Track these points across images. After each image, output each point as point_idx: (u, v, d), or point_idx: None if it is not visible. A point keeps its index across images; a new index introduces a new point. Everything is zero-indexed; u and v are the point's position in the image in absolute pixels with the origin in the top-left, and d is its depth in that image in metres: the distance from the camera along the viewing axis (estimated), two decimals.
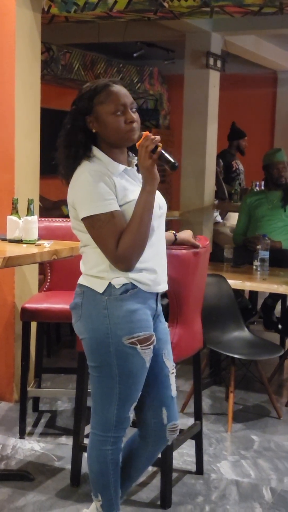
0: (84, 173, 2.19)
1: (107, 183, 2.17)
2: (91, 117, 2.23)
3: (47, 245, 3.04)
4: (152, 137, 2.17)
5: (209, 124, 6.39)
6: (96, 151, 2.24)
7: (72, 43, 7.29)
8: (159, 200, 2.29)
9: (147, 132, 2.20)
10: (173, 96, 9.55)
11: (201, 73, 6.33)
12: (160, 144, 2.17)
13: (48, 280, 3.93)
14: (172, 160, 2.18)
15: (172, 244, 2.70)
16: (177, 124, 8.12)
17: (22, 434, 3.47)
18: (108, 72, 8.10)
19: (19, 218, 3.14)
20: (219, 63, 6.44)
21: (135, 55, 7.70)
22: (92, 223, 2.17)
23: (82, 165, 2.21)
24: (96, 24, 5.68)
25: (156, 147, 2.16)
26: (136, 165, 2.31)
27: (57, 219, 3.99)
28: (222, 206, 6.71)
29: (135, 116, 2.24)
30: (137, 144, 2.19)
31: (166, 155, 2.18)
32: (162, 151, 2.17)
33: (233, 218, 6.81)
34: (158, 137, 2.18)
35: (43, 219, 3.85)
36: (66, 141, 2.24)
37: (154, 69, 9.21)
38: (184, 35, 6.31)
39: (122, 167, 2.24)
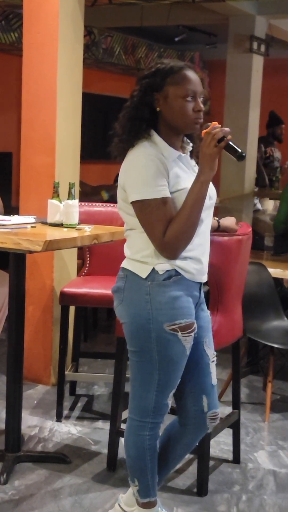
0: (138, 156, 2.16)
1: (160, 169, 2.14)
2: (159, 95, 2.19)
3: (88, 229, 3.03)
4: (222, 127, 2.14)
5: (251, 110, 6.29)
6: (153, 134, 2.21)
7: (114, 27, 7.24)
8: (210, 191, 2.25)
9: (215, 122, 2.17)
10: (214, 82, 9.43)
11: (244, 58, 6.23)
12: (230, 136, 2.13)
13: (87, 265, 3.93)
14: (239, 150, 2.14)
15: (215, 230, 2.67)
16: (217, 110, 8.02)
17: (59, 417, 3.49)
18: (149, 57, 8.03)
19: (60, 202, 3.13)
20: (263, 48, 6.32)
21: (176, 39, 7.62)
22: (141, 207, 2.15)
23: (137, 147, 2.18)
24: (139, 7, 5.63)
25: (224, 136, 2.13)
26: (191, 152, 2.28)
27: (97, 204, 3.98)
28: (262, 193, 6.62)
29: (202, 106, 2.22)
30: (203, 132, 2.16)
31: (233, 145, 2.14)
32: (230, 142, 2.14)
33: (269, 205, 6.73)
34: (227, 129, 2.15)
35: (83, 204, 3.84)
36: (131, 114, 2.20)
37: (196, 54, 9.10)
38: (228, 19, 6.21)
39: (177, 153, 2.21)
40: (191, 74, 2.20)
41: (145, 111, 2.19)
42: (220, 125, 2.15)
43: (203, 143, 2.14)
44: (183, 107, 2.18)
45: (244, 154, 2.15)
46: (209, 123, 2.17)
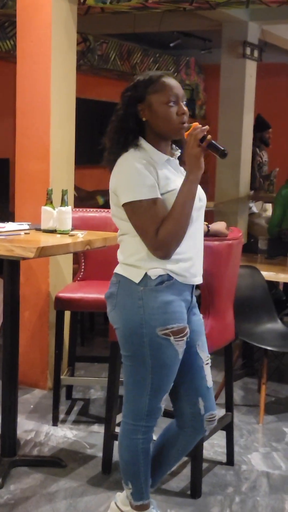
0: (128, 160, 2.22)
1: (150, 171, 2.19)
2: (143, 105, 2.26)
3: (81, 235, 3.07)
4: (202, 127, 2.20)
5: (245, 114, 6.33)
6: (141, 140, 2.27)
7: (108, 33, 7.29)
8: (199, 193, 2.31)
9: (196, 123, 2.24)
10: (209, 86, 9.49)
11: (237, 63, 6.27)
12: (210, 136, 2.20)
13: (82, 270, 3.96)
14: (222, 148, 2.21)
15: (205, 235, 2.70)
16: (213, 114, 8.07)
17: (55, 422, 3.52)
18: (144, 62, 8.08)
19: (54, 208, 3.18)
20: (256, 53, 6.37)
21: (171, 45, 7.66)
22: (133, 209, 2.20)
23: (126, 153, 2.24)
24: (131, 15, 5.67)
25: (205, 136, 2.19)
26: (179, 157, 2.34)
27: (91, 210, 4.02)
28: (257, 196, 6.66)
29: (186, 109, 2.27)
30: (186, 134, 2.23)
31: (215, 143, 2.21)
32: (212, 141, 2.20)
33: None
34: (207, 127, 2.22)
35: (77, 209, 3.88)
36: (118, 126, 2.27)
37: (191, 59, 9.16)
38: (221, 25, 6.25)
39: (165, 156, 2.28)
40: (171, 80, 2.27)
41: (130, 122, 2.26)
42: (200, 126, 2.22)
43: (187, 145, 2.22)
44: (167, 112, 2.24)
45: (226, 152, 2.21)
46: (190, 124, 2.24)
